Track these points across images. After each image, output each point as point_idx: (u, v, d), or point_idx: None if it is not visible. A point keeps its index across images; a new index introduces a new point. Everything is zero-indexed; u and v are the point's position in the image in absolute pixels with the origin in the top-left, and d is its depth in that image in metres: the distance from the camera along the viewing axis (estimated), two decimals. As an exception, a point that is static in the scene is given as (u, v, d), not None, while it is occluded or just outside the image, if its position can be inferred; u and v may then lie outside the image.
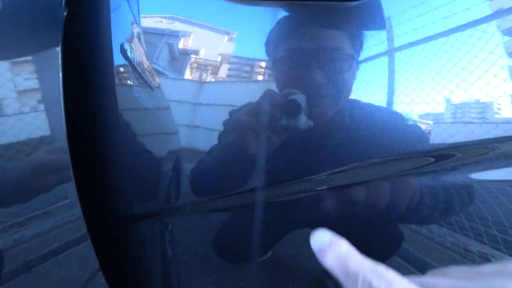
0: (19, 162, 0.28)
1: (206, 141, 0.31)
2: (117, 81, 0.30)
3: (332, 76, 0.29)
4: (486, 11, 0.29)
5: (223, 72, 0.32)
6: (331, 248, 0.24)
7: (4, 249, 0.29)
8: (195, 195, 0.31)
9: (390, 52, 0.29)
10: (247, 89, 0.31)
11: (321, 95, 0.30)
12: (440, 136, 0.29)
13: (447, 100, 0.29)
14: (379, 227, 0.32)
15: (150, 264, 0.34)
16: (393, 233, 0.32)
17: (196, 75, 0.32)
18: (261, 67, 0.31)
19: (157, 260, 0.34)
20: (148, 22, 0.32)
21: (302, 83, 0.29)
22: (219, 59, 0.32)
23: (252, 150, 0.30)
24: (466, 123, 0.29)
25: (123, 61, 0.30)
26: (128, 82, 0.31)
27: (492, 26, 0.29)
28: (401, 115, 0.29)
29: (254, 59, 0.31)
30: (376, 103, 0.29)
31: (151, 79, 0.31)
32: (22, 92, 0.29)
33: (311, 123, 0.29)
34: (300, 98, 0.29)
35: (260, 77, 0.31)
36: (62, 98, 0.27)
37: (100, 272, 0.30)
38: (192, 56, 0.32)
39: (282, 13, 0.30)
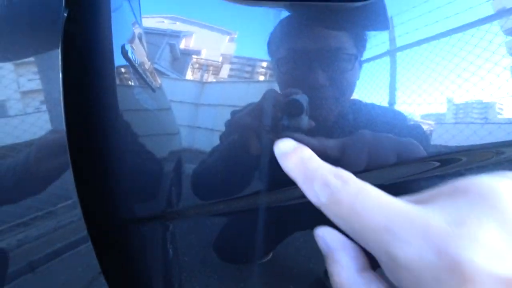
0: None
1: (208, 141, 0.31)
2: (117, 81, 0.30)
3: (335, 76, 0.29)
4: (489, 10, 0.29)
5: (224, 72, 0.32)
6: (294, 152, 0.25)
7: (8, 249, 0.29)
8: (196, 195, 0.31)
9: (391, 52, 0.29)
10: (249, 89, 0.31)
11: (323, 95, 0.29)
12: (442, 137, 0.29)
13: (449, 101, 0.29)
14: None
15: (151, 265, 0.34)
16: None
17: (197, 75, 0.32)
18: (263, 68, 0.31)
19: (158, 261, 0.34)
20: (149, 22, 0.32)
21: (304, 83, 0.29)
22: (220, 59, 0.32)
23: (254, 151, 0.30)
24: (468, 123, 0.29)
25: (124, 62, 0.30)
26: (129, 82, 0.31)
27: (495, 26, 0.29)
28: (404, 115, 0.29)
29: (255, 59, 0.31)
30: (377, 104, 0.29)
31: (152, 79, 0.31)
32: (25, 93, 0.29)
33: (313, 123, 0.29)
34: (302, 98, 0.29)
35: (261, 78, 0.31)
36: (62, 99, 0.28)
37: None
38: (193, 56, 0.32)
39: (284, 13, 0.30)
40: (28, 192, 0.29)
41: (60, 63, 0.28)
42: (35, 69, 0.29)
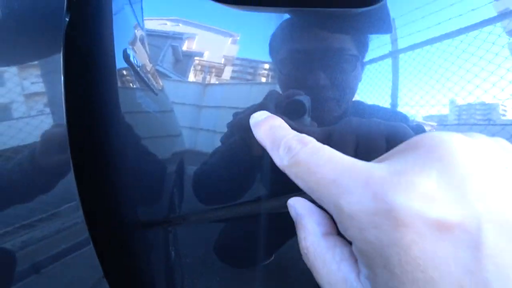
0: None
1: (210, 143, 0.31)
2: (119, 84, 0.30)
3: (337, 77, 0.29)
4: (491, 12, 0.29)
5: (227, 74, 0.32)
6: (265, 120, 0.27)
7: (13, 251, 0.30)
8: (197, 198, 0.31)
9: (393, 54, 0.29)
10: (252, 91, 0.31)
11: (325, 96, 0.29)
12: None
13: (452, 102, 0.29)
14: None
15: (153, 267, 0.34)
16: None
17: (200, 77, 0.32)
18: (265, 69, 0.31)
19: (160, 263, 0.34)
20: (152, 24, 0.32)
21: (306, 84, 0.29)
22: (222, 61, 0.32)
23: (255, 152, 0.30)
24: (471, 125, 0.29)
25: (126, 65, 0.30)
26: (131, 85, 0.31)
27: (498, 27, 0.29)
28: (407, 117, 0.29)
29: (258, 61, 0.31)
30: (380, 105, 0.29)
31: (154, 82, 0.31)
32: (28, 96, 0.29)
33: (315, 125, 0.29)
34: (305, 99, 0.29)
35: (264, 79, 0.31)
36: (63, 103, 0.28)
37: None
38: (196, 58, 0.32)
39: (286, 15, 0.30)
40: (35, 190, 0.29)
41: (61, 67, 0.28)
42: (38, 72, 0.29)
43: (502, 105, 0.29)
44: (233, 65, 0.32)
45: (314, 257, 0.22)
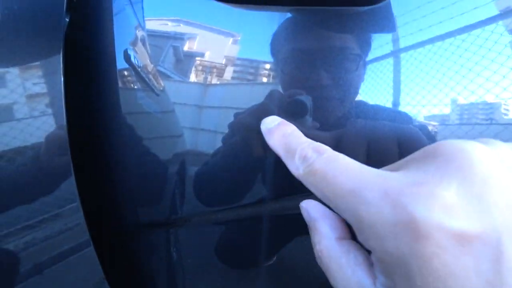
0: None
1: (212, 144, 0.31)
2: (120, 84, 0.30)
3: (339, 77, 0.29)
4: (494, 11, 0.29)
5: (228, 74, 0.31)
6: (277, 127, 0.27)
7: (16, 251, 0.30)
8: (198, 199, 0.31)
9: (395, 53, 0.29)
10: (253, 91, 0.31)
11: (327, 96, 0.29)
12: (447, 138, 0.29)
13: (454, 102, 0.29)
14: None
15: (154, 268, 0.34)
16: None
17: (201, 78, 0.32)
18: (267, 69, 0.31)
19: (161, 264, 0.34)
20: (153, 24, 0.32)
21: (308, 84, 0.29)
22: (224, 61, 0.32)
23: (256, 153, 0.30)
24: (473, 124, 0.29)
25: (127, 65, 0.30)
26: (132, 85, 0.31)
27: (500, 26, 0.28)
28: (409, 117, 0.29)
29: (259, 61, 0.31)
30: (382, 105, 0.29)
31: (155, 82, 0.31)
32: (30, 97, 0.29)
33: (317, 125, 0.29)
34: (306, 98, 0.29)
35: (265, 79, 0.31)
36: (63, 104, 0.28)
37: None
38: (197, 58, 0.32)
39: (288, 14, 0.30)
40: (38, 191, 0.29)
41: (61, 68, 0.28)
42: (40, 73, 0.29)
43: (504, 104, 0.29)
44: (235, 65, 0.32)
45: (328, 261, 0.22)
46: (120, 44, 0.30)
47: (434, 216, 0.17)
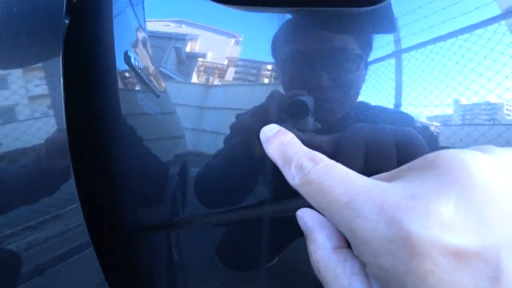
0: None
1: (213, 145, 0.31)
2: (120, 86, 0.30)
3: (340, 77, 0.29)
4: (496, 10, 0.29)
5: (230, 75, 0.31)
6: (275, 136, 0.26)
7: (18, 252, 0.30)
8: (199, 200, 0.31)
9: (397, 54, 0.29)
10: (255, 92, 0.31)
11: (328, 97, 0.29)
12: (449, 139, 0.29)
13: (456, 102, 0.29)
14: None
15: (155, 269, 0.34)
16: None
17: (203, 79, 0.32)
18: (269, 70, 0.31)
19: (162, 265, 0.34)
20: (155, 26, 0.32)
21: (309, 85, 0.29)
22: (226, 62, 0.32)
23: (257, 154, 0.30)
24: (476, 125, 0.29)
25: (127, 67, 0.30)
26: (132, 87, 0.31)
27: (502, 26, 0.28)
28: (411, 117, 0.29)
29: (261, 62, 0.31)
30: (384, 106, 0.29)
31: (156, 84, 0.31)
32: (32, 98, 0.29)
33: (319, 125, 0.29)
34: (308, 99, 0.29)
35: (267, 80, 0.31)
36: (63, 106, 0.28)
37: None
38: (199, 59, 0.32)
39: (288, 15, 0.30)
40: (40, 192, 0.29)
41: (61, 70, 0.28)
42: (42, 74, 0.29)
43: (507, 104, 0.29)
44: (236, 66, 0.31)
45: (325, 271, 0.21)
46: (120, 45, 0.30)
47: (431, 233, 0.16)
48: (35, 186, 0.29)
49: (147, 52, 0.31)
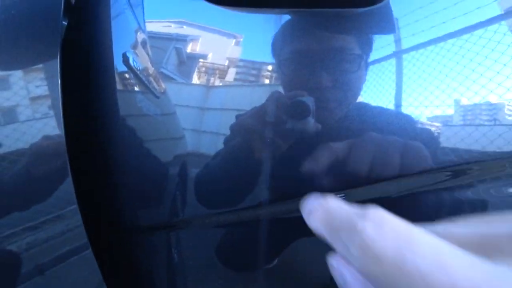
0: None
1: (214, 146, 0.30)
2: (119, 87, 0.30)
3: (340, 77, 0.29)
4: (497, 10, 0.29)
5: (230, 75, 0.31)
6: (318, 207, 0.20)
7: (18, 252, 0.30)
8: (198, 200, 0.31)
9: (397, 54, 0.29)
10: (256, 92, 0.31)
11: (328, 97, 0.29)
12: (450, 140, 0.29)
13: (457, 103, 0.29)
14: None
15: (155, 270, 0.34)
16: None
17: (204, 79, 0.32)
18: (270, 71, 0.31)
19: (162, 266, 0.34)
20: (156, 26, 0.32)
21: (309, 85, 0.29)
22: (226, 62, 0.32)
23: (257, 155, 0.29)
24: (477, 125, 0.29)
25: (125, 68, 0.30)
26: (131, 88, 0.31)
27: (503, 26, 0.28)
28: (411, 118, 0.29)
29: (262, 63, 0.31)
30: (384, 106, 0.29)
31: (156, 85, 0.31)
32: (33, 99, 0.29)
33: (320, 126, 0.29)
34: (308, 99, 0.29)
35: (268, 81, 0.31)
36: (61, 107, 0.28)
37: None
38: (200, 60, 0.32)
39: (288, 16, 0.30)
40: (33, 199, 0.29)
41: (59, 71, 0.28)
42: (42, 75, 0.29)
43: (508, 105, 0.29)
44: (237, 66, 0.31)
45: None
46: (119, 46, 0.30)
47: None
48: (34, 189, 0.29)
49: (147, 53, 0.31)
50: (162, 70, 0.31)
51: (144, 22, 0.31)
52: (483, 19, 0.28)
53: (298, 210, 0.25)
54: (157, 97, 0.31)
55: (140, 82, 0.31)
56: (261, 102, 0.29)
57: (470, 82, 0.28)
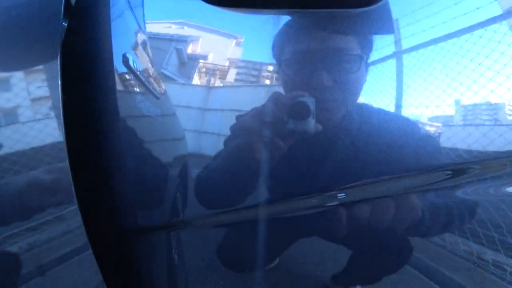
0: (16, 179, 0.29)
1: (214, 146, 0.30)
2: (119, 88, 0.30)
3: (340, 78, 0.29)
4: (497, 10, 0.29)
5: (231, 76, 0.31)
6: None
7: (19, 253, 0.30)
8: (199, 201, 0.31)
9: (398, 54, 0.29)
10: (257, 92, 0.31)
11: (329, 97, 0.29)
12: (451, 140, 0.29)
13: (457, 103, 0.29)
14: (384, 241, 0.31)
15: (155, 271, 0.34)
16: (401, 246, 0.31)
17: (204, 80, 0.32)
18: (270, 71, 0.31)
19: (163, 266, 0.34)
20: (156, 27, 0.32)
21: (310, 85, 0.29)
22: (227, 63, 0.32)
23: (258, 155, 0.29)
24: (477, 125, 0.29)
25: (125, 69, 0.30)
26: (131, 89, 0.31)
27: (504, 26, 0.28)
28: (412, 118, 0.29)
29: (262, 63, 0.31)
30: (384, 106, 0.29)
31: (156, 85, 0.31)
32: (34, 100, 0.29)
33: (320, 127, 0.29)
34: (309, 100, 0.28)
35: (268, 81, 0.31)
36: (61, 108, 0.28)
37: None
38: (200, 61, 0.32)
39: (288, 17, 0.30)
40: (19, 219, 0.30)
41: (59, 72, 0.28)
42: (43, 76, 0.29)
43: (508, 105, 0.29)
44: (237, 67, 0.32)
45: None
46: (119, 47, 0.30)
47: None
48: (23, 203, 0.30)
49: (147, 54, 0.31)
50: (163, 71, 0.31)
51: (144, 23, 0.31)
52: (483, 19, 0.28)
53: (298, 210, 0.25)
54: (158, 98, 0.31)
55: (140, 83, 0.31)
56: (262, 102, 0.29)
57: (471, 82, 0.28)
